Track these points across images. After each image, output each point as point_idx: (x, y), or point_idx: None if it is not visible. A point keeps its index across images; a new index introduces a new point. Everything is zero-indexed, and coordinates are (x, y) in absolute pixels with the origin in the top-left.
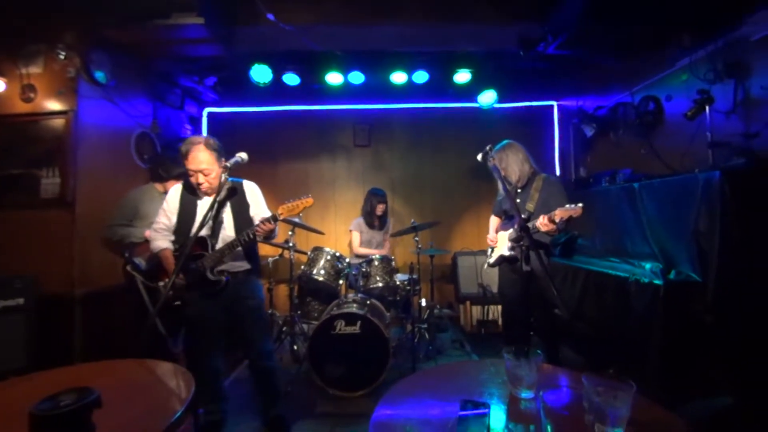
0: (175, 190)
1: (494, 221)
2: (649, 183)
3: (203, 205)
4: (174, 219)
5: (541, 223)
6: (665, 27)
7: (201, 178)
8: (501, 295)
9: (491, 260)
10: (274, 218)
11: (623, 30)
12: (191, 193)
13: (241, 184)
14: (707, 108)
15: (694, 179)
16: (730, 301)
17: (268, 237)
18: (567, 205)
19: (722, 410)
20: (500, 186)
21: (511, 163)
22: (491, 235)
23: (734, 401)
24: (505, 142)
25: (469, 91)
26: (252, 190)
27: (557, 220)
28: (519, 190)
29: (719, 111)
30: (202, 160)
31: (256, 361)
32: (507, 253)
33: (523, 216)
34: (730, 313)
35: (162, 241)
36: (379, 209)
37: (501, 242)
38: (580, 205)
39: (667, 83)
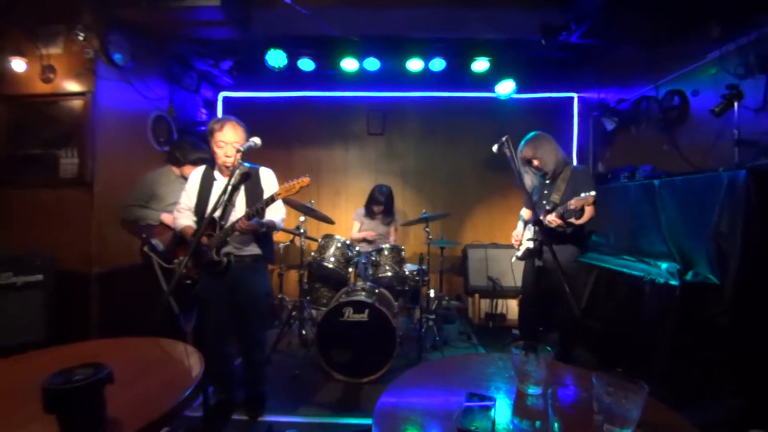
0: (197, 171)
1: (526, 213)
2: (670, 180)
3: (219, 187)
4: (194, 200)
5: (551, 218)
6: (694, 17)
7: (230, 151)
8: (522, 289)
9: (519, 253)
10: (272, 198)
11: (650, 19)
12: (210, 175)
13: (257, 171)
14: (736, 104)
15: (717, 178)
16: (747, 305)
17: (269, 230)
18: (582, 194)
19: (734, 412)
20: (517, 178)
21: (547, 153)
22: (518, 229)
23: (746, 404)
24: (534, 132)
25: (486, 81)
26: (268, 178)
27: (570, 209)
28: (547, 182)
29: (748, 108)
30: (235, 135)
31: (248, 351)
32: (531, 245)
33: (547, 207)
34: (747, 317)
35: (185, 219)
36: (377, 209)
37: (528, 235)
38: (593, 193)
39: (695, 77)
